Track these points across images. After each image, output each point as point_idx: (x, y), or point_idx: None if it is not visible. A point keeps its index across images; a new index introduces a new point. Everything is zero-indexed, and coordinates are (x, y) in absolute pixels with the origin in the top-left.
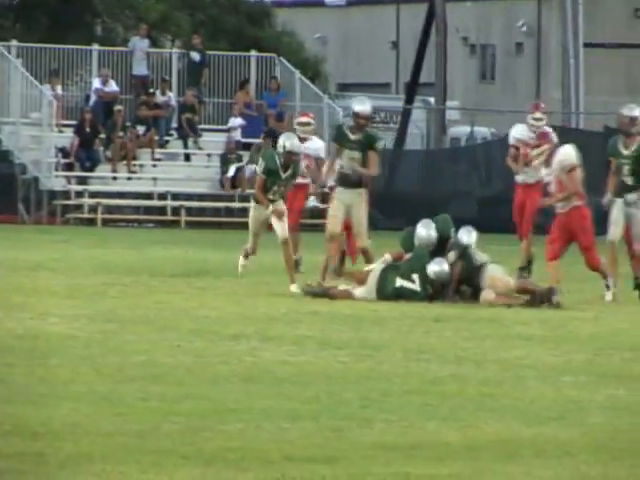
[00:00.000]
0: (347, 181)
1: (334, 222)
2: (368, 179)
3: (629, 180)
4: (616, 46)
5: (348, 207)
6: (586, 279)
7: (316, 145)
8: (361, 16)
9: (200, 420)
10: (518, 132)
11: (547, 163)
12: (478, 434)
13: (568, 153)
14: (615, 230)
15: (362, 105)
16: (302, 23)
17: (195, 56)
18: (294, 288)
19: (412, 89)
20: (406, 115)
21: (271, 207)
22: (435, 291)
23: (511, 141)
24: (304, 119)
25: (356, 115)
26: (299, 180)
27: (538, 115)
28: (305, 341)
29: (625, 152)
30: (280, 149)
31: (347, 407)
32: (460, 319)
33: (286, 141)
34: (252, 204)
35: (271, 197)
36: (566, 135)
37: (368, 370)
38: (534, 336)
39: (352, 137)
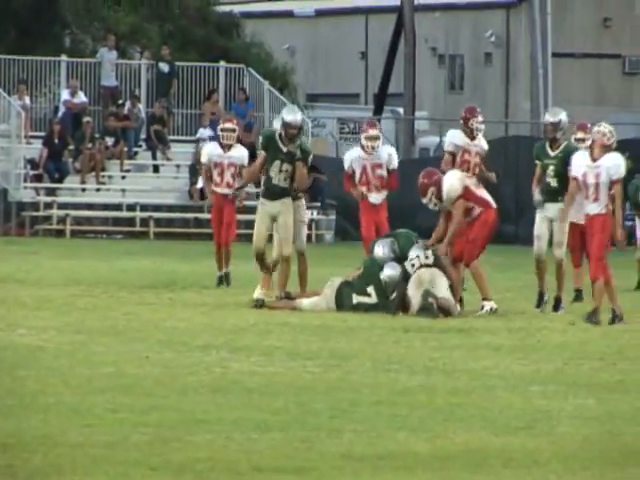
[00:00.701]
0: (273, 193)
1: (260, 237)
2: (300, 189)
3: (553, 182)
4: (585, 56)
5: (273, 217)
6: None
7: (240, 153)
8: (330, 27)
9: (169, 431)
10: (455, 137)
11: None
12: (447, 444)
13: (452, 184)
14: (540, 244)
15: (293, 115)
16: (271, 34)
17: (164, 67)
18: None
19: (381, 99)
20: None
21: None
22: (397, 302)
23: (447, 147)
24: (228, 125)
25: (287, 125)
26: (226, 190)
27: (481, 119)
28: (274, 352)
29: (551, 153)
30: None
31: (316, 418)
32: (429, 329)
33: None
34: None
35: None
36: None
37: (337, 380)
38: (503, 346)
39: (283, 149)
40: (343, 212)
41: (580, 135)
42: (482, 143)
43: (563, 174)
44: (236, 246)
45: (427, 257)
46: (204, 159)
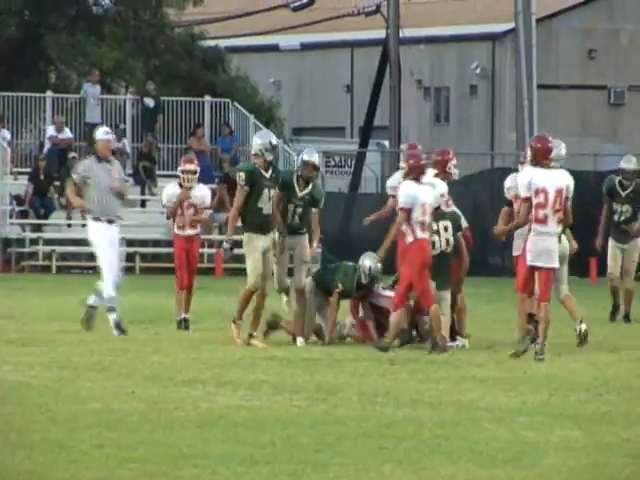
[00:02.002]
0: (265, 227)
1: (258, 274)
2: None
3: None
4: (570, 87)
5: (265, 251)
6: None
7: (201, 192)
8: (315, 60)
9: (155, 466)
10: (394, 180)
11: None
12: (434, 476)
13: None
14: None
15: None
16: (256, 68)
17: (149, 102)
18: (299, 342)
19: (366, 132)
20: (361, 158)
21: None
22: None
23: (388, 191)
24: (190, 166)
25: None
26: (190, 232)
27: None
28: (261, 386)
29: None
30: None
31: (302, 451)
32: (415, 361)
33: (304, 154)
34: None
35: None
36: None
37: (323, 414)
38: (489, 378)
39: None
40: (329, 245)
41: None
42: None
43: None
44: (222, 281)
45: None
46: (165, 201)
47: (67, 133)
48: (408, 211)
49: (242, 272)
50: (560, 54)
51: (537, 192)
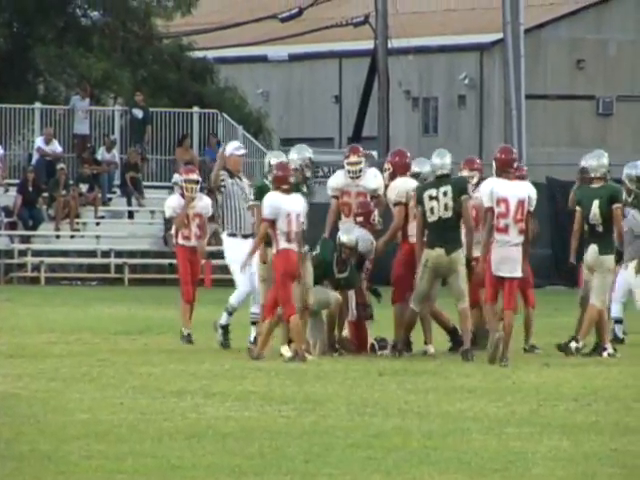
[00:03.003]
0: None
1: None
2: None
3: None
4: (559, 97)
5: None
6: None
7: (205, 202)
8: (304, 71)
9: (144, 477)
10: (335, 180)
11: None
12: None
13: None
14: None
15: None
16: (245, 78)
17: (137, 113)
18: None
19: (356, 142)
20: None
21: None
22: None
23: (329, 192)
24: (193, 176)
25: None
26: (194, 242)
27: (354, 159)
28: (249, 396)
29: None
30: (267, 167)
31: (291, 462)
32: (404, 372)
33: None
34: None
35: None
36: None
37: (312, 424)
38: (478, 388)
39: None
40: None
41: (466, 172)
42: (367, 183)
43: None
44: (211, 292)
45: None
46: (169, 213)
47: (55, 145)
48: (271, 222)
49: (230, 283)
50: (548, 64)
51: (498, 202)
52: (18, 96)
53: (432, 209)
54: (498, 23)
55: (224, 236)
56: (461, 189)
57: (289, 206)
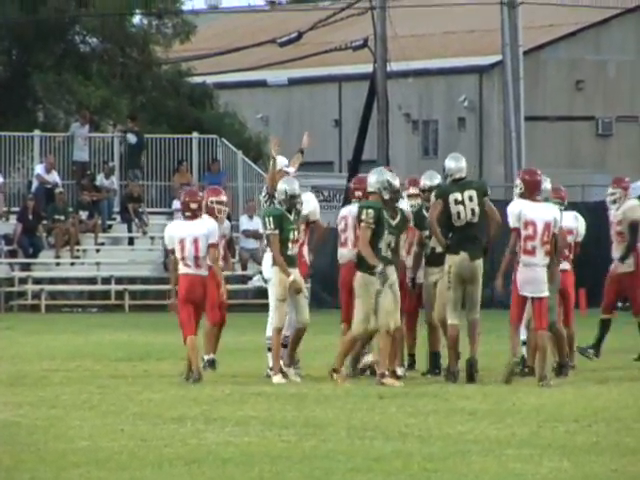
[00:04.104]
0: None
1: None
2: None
3: None
4: (558, 119)
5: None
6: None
7: (226, 224)
8: (303, 95)
9: None
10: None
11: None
12: None
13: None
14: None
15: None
16: (244, 103)
17: (131, 139)
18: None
19: (355, 167)
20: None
21: (292, 277)
22: None
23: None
24: (223, 197)
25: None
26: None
27: None
28: (249, 421)
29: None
30: (282, 195)
31: None
32: (404, 395)
33: (286, 186)
34: (273, 269)
35: (290, 253)
36: None
37: (312, 449)
38: (478, 410)
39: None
40: (319, 280)
41: (412, 190)
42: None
43: None
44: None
45: None
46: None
47: (55, 176)
48: (172, 250)
49: (230, 308)
50: (547, 86)
51: (526, 225)
52: (17, 123)
53: (459, 214)
54: (497, 45)
55: (269, 262)
56: (484, 192)
57: (183, 232)
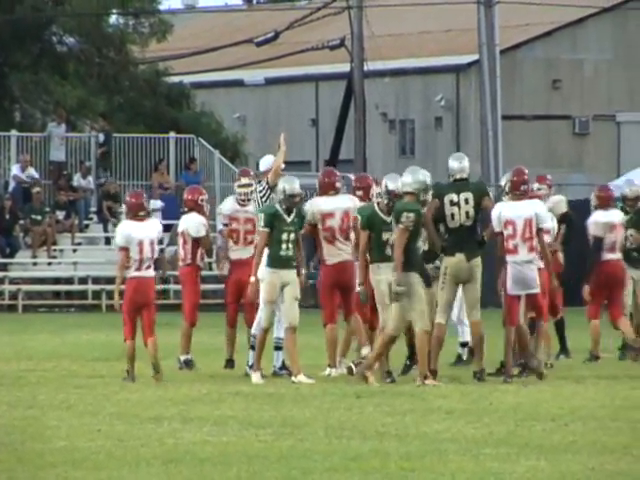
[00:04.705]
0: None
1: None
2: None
3: None
4: (535, 117)
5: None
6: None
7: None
8: (280, 95)
9: None
10: (226, 207)
11: None
12: None
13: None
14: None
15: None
16: (221, 103)
17: (100, 137)
18: (301, 378)
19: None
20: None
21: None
22: None
23: (222, 220)
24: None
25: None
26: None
27: (244, 181)
28: (227, 421)
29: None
30: (280, 194)
31: None
32: (381, 394)
33: (285, 184)
34: (266, 269)
35: (283, 253)
36: None
37: (290, 448)
38: (455, 409)
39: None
40: None
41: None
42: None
43: None
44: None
45: None
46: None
47: (32, 173)
48: (125, 250)
49: (206, 307)
50: (524, 85)
51: (506, 224)
52: None
53: (453, 215)
54: (474, 44)
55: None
56: (482, 193)
57: (140, 233)
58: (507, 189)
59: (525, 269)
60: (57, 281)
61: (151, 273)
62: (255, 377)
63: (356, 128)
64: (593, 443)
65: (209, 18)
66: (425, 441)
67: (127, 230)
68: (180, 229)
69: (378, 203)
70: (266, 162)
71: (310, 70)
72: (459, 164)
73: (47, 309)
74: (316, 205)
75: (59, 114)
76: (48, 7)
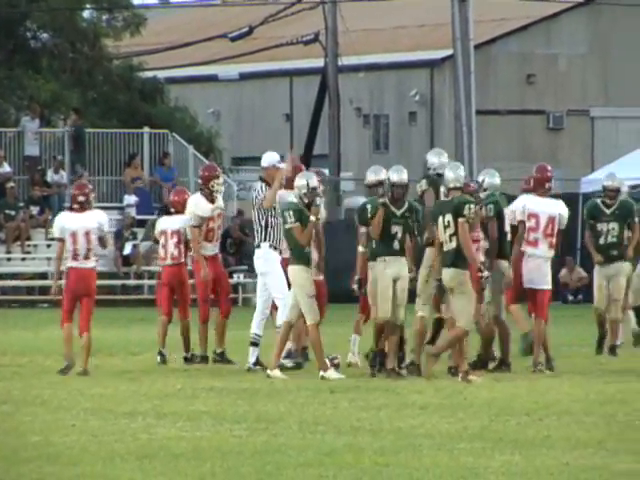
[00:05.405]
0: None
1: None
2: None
3: None
4: (509, 112)
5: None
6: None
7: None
8: (254, 90)
9: None
10: (204, 209)
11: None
12: None
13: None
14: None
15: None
16: (196, 98)
17: (72, 131)
18: (329, 373)
19: (306, 161)
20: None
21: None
22: None
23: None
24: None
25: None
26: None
27: (222, 180)
28: (201, 416)
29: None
30: (303, 189)
31: None
32: (356, 389)
33: (307, 179)
34: (299, 267)
35: (308, 250)
36: None
37: (264, 444)
38: (430, 404)
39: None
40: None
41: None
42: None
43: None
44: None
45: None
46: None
47: (5, 167)
48: (61, 240)
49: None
50: (498, 79)
51: (529, 217)
52: None
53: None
54: (448, 39)
55: (268, 248)
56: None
57: (75, 224)
58: (530, 185)
59: (542, 265)
60: (31, 276)
61: (91, 264)
62: (275, 373)
63: (330, 123)
64: (567, 438)
65: (183, 13)
66: (399, 436)
67: (62, 221)
68: (177, 227)
69: (382, 195)
70: (268, 158)
71: (284, 65)
72: (438, 159)
73: (21, 304)
74: (284, 199)
75: (33, 109)
76: (23, 3)
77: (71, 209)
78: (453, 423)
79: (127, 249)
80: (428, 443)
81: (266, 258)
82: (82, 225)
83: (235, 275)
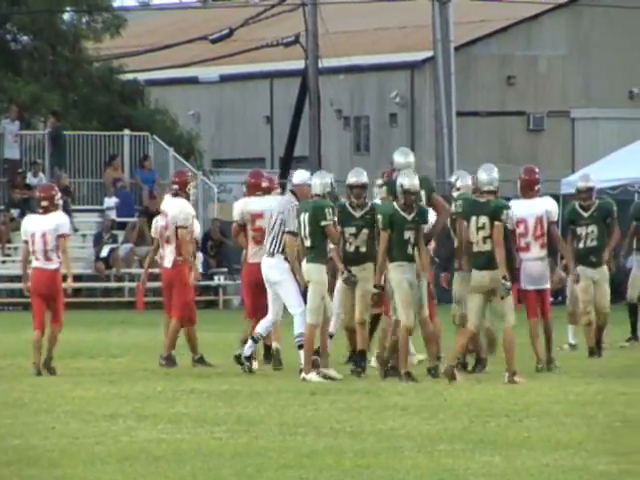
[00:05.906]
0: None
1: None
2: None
3: None
4: (489, 114)
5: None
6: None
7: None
8: (235, 92)
9: None
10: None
11: None
12: None
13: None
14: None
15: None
16: (176, 100)
17: (51, 134)
18: (311, 376)
19: (287, 163)
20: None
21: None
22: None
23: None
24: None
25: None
26: None
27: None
28: (181, 419)
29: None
30: (327, 188)
31: None
32: (336, 391)
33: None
34: (312, 265)
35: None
36: None
37: (244, 446)
38: (410, 406)
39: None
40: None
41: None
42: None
43: None
44: (143, 314)
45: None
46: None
47: None
48: (25, 242)
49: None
50: (479, 81)
51: (518, 223)
52: None
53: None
54: (428, 41)
55: (282, 261)
56: (429, 190)
57: (34, 226)
58: (518, 188)
59: (537, 266)
60: (12, 279)
61: (53, 265)
62: (311, 376)
63: (311, 125)
64: (547, 439)
65: (163, 15)
66: (380, 438)
67: (25, 224)
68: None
69: (383, 199)
70: (300, 176)
71: (265, 67)
72: (405, 159)
73: (1, 307)
74: (245, 205)
75: (12, 111)
76: (3, 5)
77: (37, 211)
78: (434, 425)
79: (104, 252)
80: (409, 445)
81: (280, 268)
82: (40, 227)
83: (216, 277)
